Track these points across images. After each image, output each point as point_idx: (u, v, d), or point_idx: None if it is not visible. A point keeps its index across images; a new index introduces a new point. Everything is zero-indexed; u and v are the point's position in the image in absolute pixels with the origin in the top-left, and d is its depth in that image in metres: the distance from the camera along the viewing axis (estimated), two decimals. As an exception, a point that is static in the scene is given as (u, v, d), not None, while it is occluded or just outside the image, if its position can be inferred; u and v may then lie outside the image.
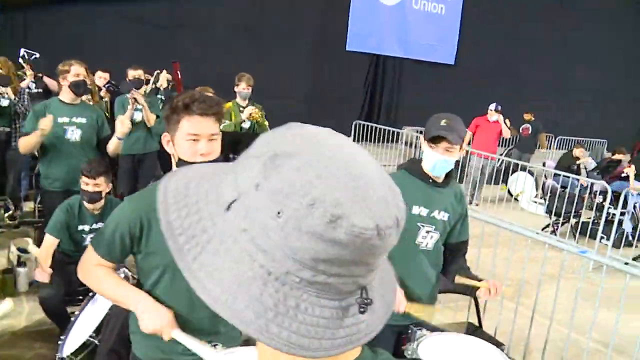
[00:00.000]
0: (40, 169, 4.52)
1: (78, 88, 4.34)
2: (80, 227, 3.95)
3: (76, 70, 4.30)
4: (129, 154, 5.74)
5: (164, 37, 11.19)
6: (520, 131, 11.45)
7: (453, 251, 2.91)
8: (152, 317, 1.97)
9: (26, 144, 4.23)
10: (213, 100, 2.05)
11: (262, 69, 10.67)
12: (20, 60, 6.09)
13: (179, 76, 4.48)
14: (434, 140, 2.64)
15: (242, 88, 5.82)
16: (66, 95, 4.38)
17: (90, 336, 3.06)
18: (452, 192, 2.82)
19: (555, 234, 8.12)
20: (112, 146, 4.28)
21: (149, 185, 5.43)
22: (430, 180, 2.74)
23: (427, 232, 2.73)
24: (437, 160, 2.66)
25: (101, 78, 6.72)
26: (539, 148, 11.52)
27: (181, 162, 2.04)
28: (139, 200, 2.09)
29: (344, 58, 14.55)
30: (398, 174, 2.82)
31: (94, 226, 3.97)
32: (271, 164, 0.63)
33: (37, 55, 6.28)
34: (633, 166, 8.58)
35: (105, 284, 2.09)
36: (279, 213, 0.61)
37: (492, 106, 9.82)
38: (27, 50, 6.24)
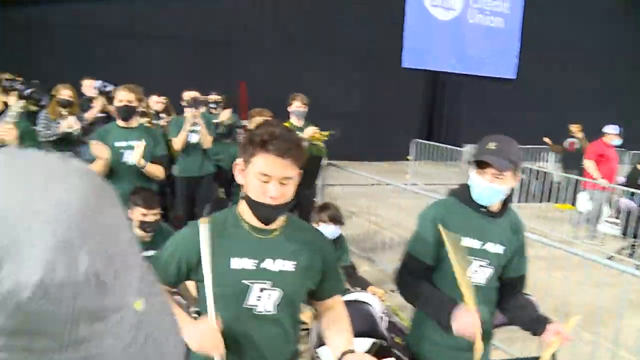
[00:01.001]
0: None
1: (122, 113, 4.36)
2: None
3: (120, 96, 4.35)
4: (185, 176, 5.70)
5: (217, 56, 11.26)
6: (567, 146, 10.42)
7: (507, 287, 2.60)
8: (193, 329, 1.87)
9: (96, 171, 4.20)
10: (294, 141, 1.87)
11: (314, 87, 10.59)
12: (95, 90, 6.18)
13: (246, 97, 4.38)
14: (480, 165, 2.38)
15: (297, 106, 5.70)
16: (120, 120, 4.42)
17: None
18: (508, 223, 2.53)
19: (632, 257, 7.61)
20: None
21: (205, 208, 5.41)
22: (484, 209, 2.46)
23: (480, 266, 2.46)
24: (484, 188, 2.39)
25: (157, 103, 6.75)
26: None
27: (249, 199, 1.93)
28: (192, 228, 2.01)
29: (399, 75, 14.37)
30: (447, 200, 2.57)
31: (146, 253, 3.90)
32: None
33: (112, 87, 6.40)
34: None
35: None
36: None
37: (614, 129, 8.40)
38: (105, 83, 6.37)
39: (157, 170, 4.37)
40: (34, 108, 5.75)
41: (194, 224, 2.09)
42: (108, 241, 0.53)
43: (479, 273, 2.48)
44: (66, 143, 5.59)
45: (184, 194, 5.76)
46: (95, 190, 0.55)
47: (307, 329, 3.57)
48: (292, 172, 1.88)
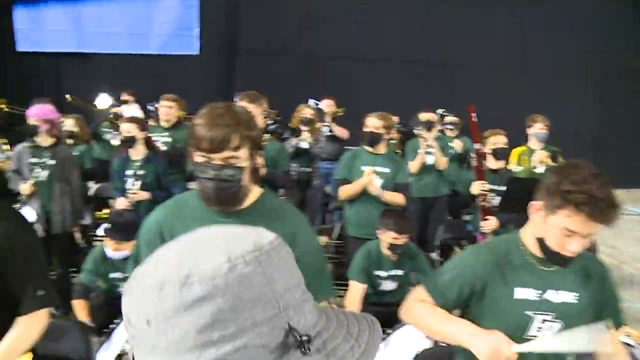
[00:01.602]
0: (346, 215, 4.68)
1: (368, 139, 4.50)
2: (376, 272, 3.98)
3: (368, 123, 4.48)
4: (419, 197, 5.72)
5: (440, 78, 11.22)
6: None
7: None
8: (485, 340, 1.80)
9: (348, 192, 4.44)
10: (611, 202, 1.76)
11: (540, 108, 9.99)
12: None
13: (474, 120, 4.30)
14: None
15: (539, 128, 5.43)
16: (367, 146, 4.55)
17: None
18: None
19: None
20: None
21: (438, 230, 5.34)
22: None
23: None
24: None
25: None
26: None
27: (543, 244, 1.87)
28: (490, 254, 2.00)
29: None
30: None
31: (391, 272, 3.98)
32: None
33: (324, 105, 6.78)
34: None
35: (431, 319, 1.99)
36: (148, 322, 0.61)
37: None
38: (317, 101, 6.76)
39: (395, 198, 4.40)
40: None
41: (482, 248, 2.06)
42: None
43: None
44: (305, 159, 5.93)
45: (417, 214, 5.77)
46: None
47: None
48: (598, 228, 1.79)
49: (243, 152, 1.80)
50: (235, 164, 1.78)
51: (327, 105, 6.86)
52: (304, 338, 0.63)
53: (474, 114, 4.33)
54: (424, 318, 2.01)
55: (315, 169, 6.05)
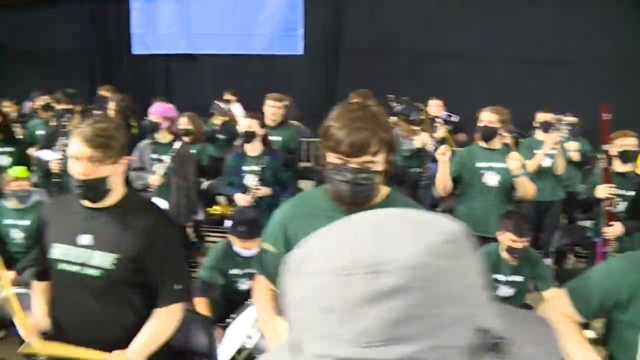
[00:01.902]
0: (458, 211, 4.58)
1: (482, 133, 4.38)
2: (494, 276, 3.85)
3: (482, 117, 4.36)
4: (534, 200, 5.48)
5: (555, 77, 10.73)
6: None
7: None
8: None
9: (440, 181, 4.35)
10: None
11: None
12: (440, 119, 6.45)
13: (605, 119, 4.04)
14: None
15: None
16: (482, 141, 4.44)
17: None
18: None
19: None
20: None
21: (556, 234, 5.09)
22: None
23: None
24: None
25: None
26: None
27: None
28: (632, 262, 1.87)
29: None
30: None
31: (510, 278, 3.84)
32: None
33: (457, 118, 6.61)
34: None
35: (565, 340, 1.89)
36: (328, 310, 0.56)
37: None
38: (450, 113, 6.62)
39: (530, 184, 4.25)
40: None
41: (631, 256, 1.93)
42: None
43: None
44: (417, 159, 5.83)
45: (531, 218, 5.52)
46: None
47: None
48: None
49: (380, 157, 1.77)
50: (371, 169, 1.75)
51: (435, 105, 6.72)
52: (498, 341, 0.57)
53: (605, 114, 4.08)
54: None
55: (426, 169, 5.94)
